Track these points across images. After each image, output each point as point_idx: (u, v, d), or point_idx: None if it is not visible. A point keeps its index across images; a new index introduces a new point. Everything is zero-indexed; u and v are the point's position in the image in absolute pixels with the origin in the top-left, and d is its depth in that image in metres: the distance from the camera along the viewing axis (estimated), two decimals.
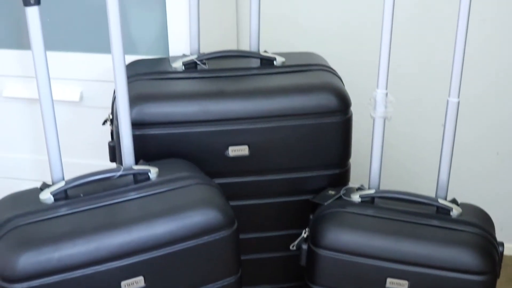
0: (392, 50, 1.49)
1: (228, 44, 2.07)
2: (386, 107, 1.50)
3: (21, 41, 1.84)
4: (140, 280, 1.33)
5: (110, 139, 1.66)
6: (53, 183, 1.44)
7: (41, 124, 1.86)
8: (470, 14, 1.43)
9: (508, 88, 2.04)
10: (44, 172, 1.90)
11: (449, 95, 1.48)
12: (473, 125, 2.04)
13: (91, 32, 1.81)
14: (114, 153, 1.61)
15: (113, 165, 1.63)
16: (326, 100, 1.57)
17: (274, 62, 1.68)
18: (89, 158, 1.87)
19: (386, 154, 1.59)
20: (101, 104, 1.80)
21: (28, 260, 1.26)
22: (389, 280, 1.43)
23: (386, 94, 1.50)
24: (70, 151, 1.75)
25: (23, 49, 1.83)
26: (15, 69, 1.86)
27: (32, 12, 1.34)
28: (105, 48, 1.76)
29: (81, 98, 1.85)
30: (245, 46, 2.12)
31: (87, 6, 1.78)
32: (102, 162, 1.71)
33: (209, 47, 1.76)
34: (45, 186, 1.43)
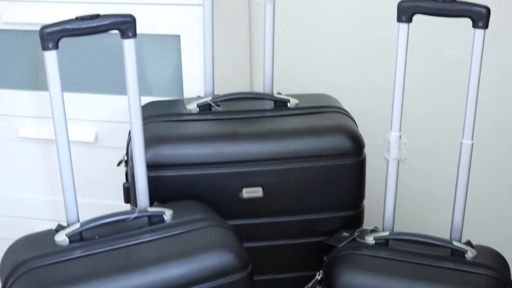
0: (406, 91, 1.50)
1: (241, 85, 2.09)
2: (399, 149, 1.51)
3: (36, 82, 1.86)
4: None
5: (124, 179, 1.67)
6: (68, 225, 1.45)
7: (55, 165, 1.88)
8: (483, 53, 1.44)
9: None
10: (58, 212, 1.91)
11: (462, 137, 1.48)
12: (486, 166, 2.04)
13: (106, 73, 1.84)
14: (129, 194, 1.62)
15: (128, 206, 1.64)
16: (340, 142, 1.58)
17: (288, 104, 1.69)
18: (103, 198, 1.88)
19: (400, 195, 1.59)
20: (115, 144, 1.82)
21: None
22: None
23: (400, 136, 1.51)
24: (84, 191, 1.75)
25: (38, 90, 1.86)
26: (30, 109, 1.88)
27: (51, 56, 1.36)
28: (119, 89, 1.79)
29: (96, 138, 1.87)
30: (258, 87, 2.14)
31: (102, 48, 1.80)
32: (116, 203, 1.72)
33: (222, 88, 1.78)
34: (60, 227, 1.44)
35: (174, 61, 1.78)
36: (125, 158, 1.65)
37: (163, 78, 1.81)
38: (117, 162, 1.71)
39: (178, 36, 1.75)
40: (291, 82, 2.06)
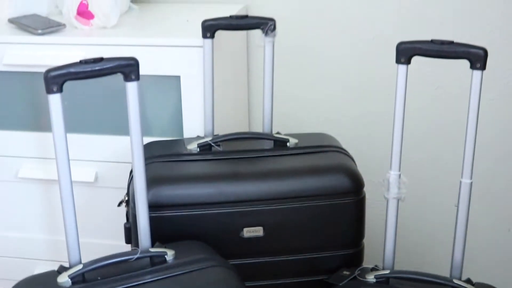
0: (405, 131, 1.51)
1: (240, 124, 2.11)
2: (399, 188, 1.52)
3: (37, 123, 1.87)
4: None
5: (124, 219, 1.67)
6: (70, 266, 1.45)
7: (55, 205, 1.89)
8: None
9: None
10: (58, 252, 1.92)
11: (461, 177, 1.49)
12: (484, 203, 2.05)
13: (105, 114, 1.85)
14: (130, 234, 1.62)
15: (128, 246, 1.65)
16: (339, 182, 1.59)
17: (287, 144, 1.71)
18: (103, 238, 1.88)
19: (400, 233, 1.60)
20: (115, 184, 1.83)
21: None
22: None
23: (399, 175, 1.52)
24: (84, 231, 1.75)
25: (38, 131, 1.87)
26: (30, 150, 1.89)
27: (55, 99, 1.37)
28: (119, 129, 1.81)
29: (96, 178, 1.88)
30: (256, 126, 2.16)
31: (102, 89, 1.81)
32: (116, 243, 1.73)
33: (222, 128, 1.80)
34: (62, 269, 1.44)
35: (174, 102, 1.80)
36: (126, 198, 1.66)
37: (163, 118, 1.83)
38: (117, 202, 1.72)
39: (178, 77, 1.77)
40: (289, 121, 2.08)
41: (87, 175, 1.87)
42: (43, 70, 1.73)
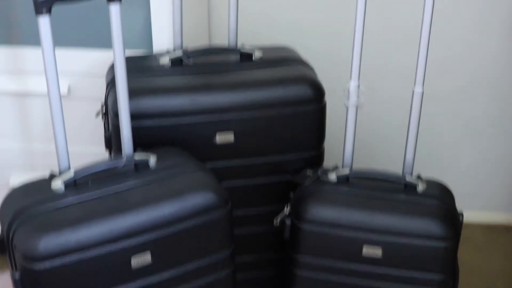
0: (365, 43, 1.63)
1: (201, 37, 2.20)
2: (358, 97, 1.67)
3: (9, 38, 1.93)
4: (147, 254, 1.47)
5: (97, 128, 1.78)
6: (60, 172, 1.55)
7: (28, 116, 1.97)
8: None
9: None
10: (31, 160, 2.01)
11: (414, 85, 1.64)
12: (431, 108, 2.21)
13: (77, 28, 1.92)
14: (110, 142, 1.73)
15: (107, 152, 1.76)
16: (303, 91, 1.73)
17: (253, 57, 1.82)
18: (78, 145, 1.96)
19: (358, 136, 1.73)
20: (88, 96, 1.92)
21: (49, 242, 1.38)
22: (365, 247, 1.60)
23: (358, 85, 1.66)
24: None
25: (11, 45, 1.93)
26: (3, 64, 1.96)
27: (44, 21, 1.44)
28: (91, 43, 1.89)
29: (69, 91, 1.96)
30: (216, 38, 2.24)
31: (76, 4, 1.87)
32: (91, 149, 1.84)
33: (184, 41, 1.88)
34: (53, 175, 1.55)
35: (143, 15, 1.87)
36: (103, 110, 1.76)
37: (134, 31, 1.89)
38: (90, 113, 1.82)
39: None
40: (251, 33, 2.16)
41: (60, 88, 1.94)
42: None
